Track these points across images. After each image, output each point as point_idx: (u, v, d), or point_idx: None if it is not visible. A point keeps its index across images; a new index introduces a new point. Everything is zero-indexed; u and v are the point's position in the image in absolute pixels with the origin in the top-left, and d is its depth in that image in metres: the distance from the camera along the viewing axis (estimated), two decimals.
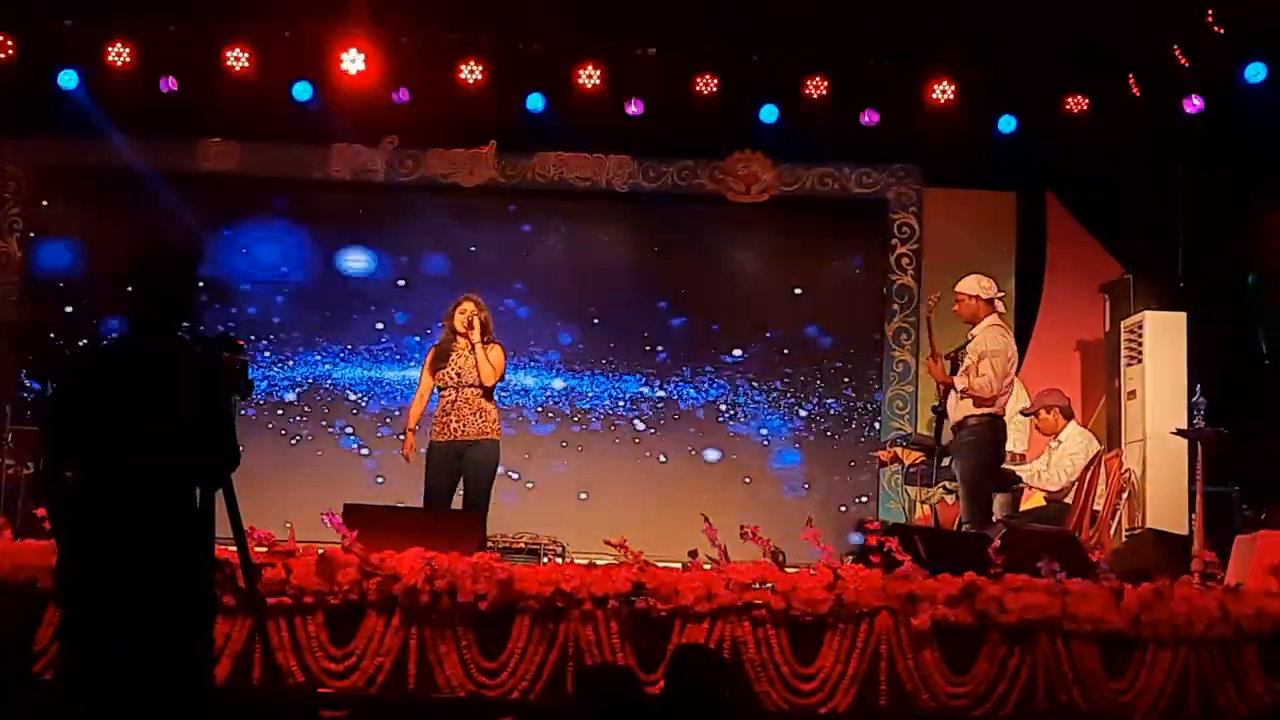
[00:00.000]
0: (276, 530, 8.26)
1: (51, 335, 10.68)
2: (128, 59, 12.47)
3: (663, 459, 13.53)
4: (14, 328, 11.15)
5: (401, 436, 10.78)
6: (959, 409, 9.91)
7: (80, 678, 5.20)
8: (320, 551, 8.17)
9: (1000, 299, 10.22)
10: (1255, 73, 11.53)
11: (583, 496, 13.25)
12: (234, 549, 5.57)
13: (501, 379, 10.36)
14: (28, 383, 12.01)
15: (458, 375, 10.16)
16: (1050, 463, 11.10)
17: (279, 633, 7.92)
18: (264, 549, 8.11)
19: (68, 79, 12.76)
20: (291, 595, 7.98)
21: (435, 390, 10.29)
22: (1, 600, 7.80)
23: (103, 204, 13.43)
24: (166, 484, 5.25)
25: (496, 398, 10.37)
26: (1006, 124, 12.84)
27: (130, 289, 5.46)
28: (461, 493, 10.12)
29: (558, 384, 13.58)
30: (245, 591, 6.15)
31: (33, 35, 12.48)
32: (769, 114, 12.93)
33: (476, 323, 10.18)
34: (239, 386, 5.45)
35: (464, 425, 10.11)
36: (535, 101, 12.93)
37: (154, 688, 5.16)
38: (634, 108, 12.78)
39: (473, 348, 10.14)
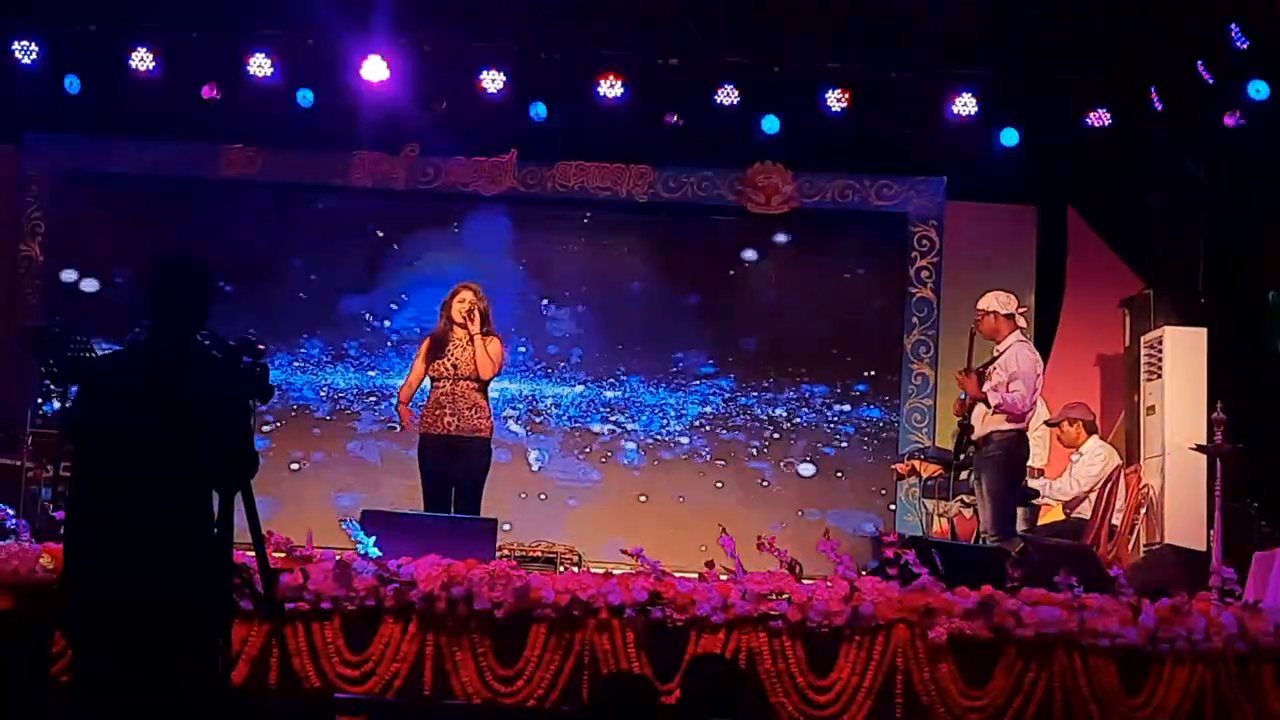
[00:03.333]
0: (295, 535, 8.28)
1: (72, 339, 10.69)
2: (150, 64, 12.52)
3: (678, 469, 13.52)
4: (35, 331, 11.16)
5: (395, 418, 10.59)
6: (986, 424, 9.94)
7: (94, 684, 5.22)
8: (338, 557, 8.19)
9: (1022, 314, 10.22)
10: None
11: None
12: (253, 554, 5.59)
13: (499, 372, 10.11)
14: (48, 386, 12.05)
15: (454, 367, 9.85)
16: (1070, 474, 11.11)
17: (296, 638, 7.93)
18: (282, 554, 8.12)
19: (90, 83, 12.80)
20: (309, 601, 7.99)
21: (429, 379, 10.01)
22: (22, 602, 7.81)
23: (123, 208, 13.48)
24: (185, 489, 5.25)
25: (489, 395, 10.11)
26: (1028, 137, 12.83)
27: (149, 294, 5.48)
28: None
29: (577, 391, 13.57)
30: (263, 597, 6.16)
31: (56, 39, 12.53)
32: (790, 125, 12.94)
33: (476, 313, 9.88)
34: (259, 391, 5.46)
35: (458, 419, 9.82)
36: (556, 111, 12.95)
37: (168, 694, 5.17)
38: (671, 118, 12.84)
39: (471, 339, 9.86)
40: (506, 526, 11.30)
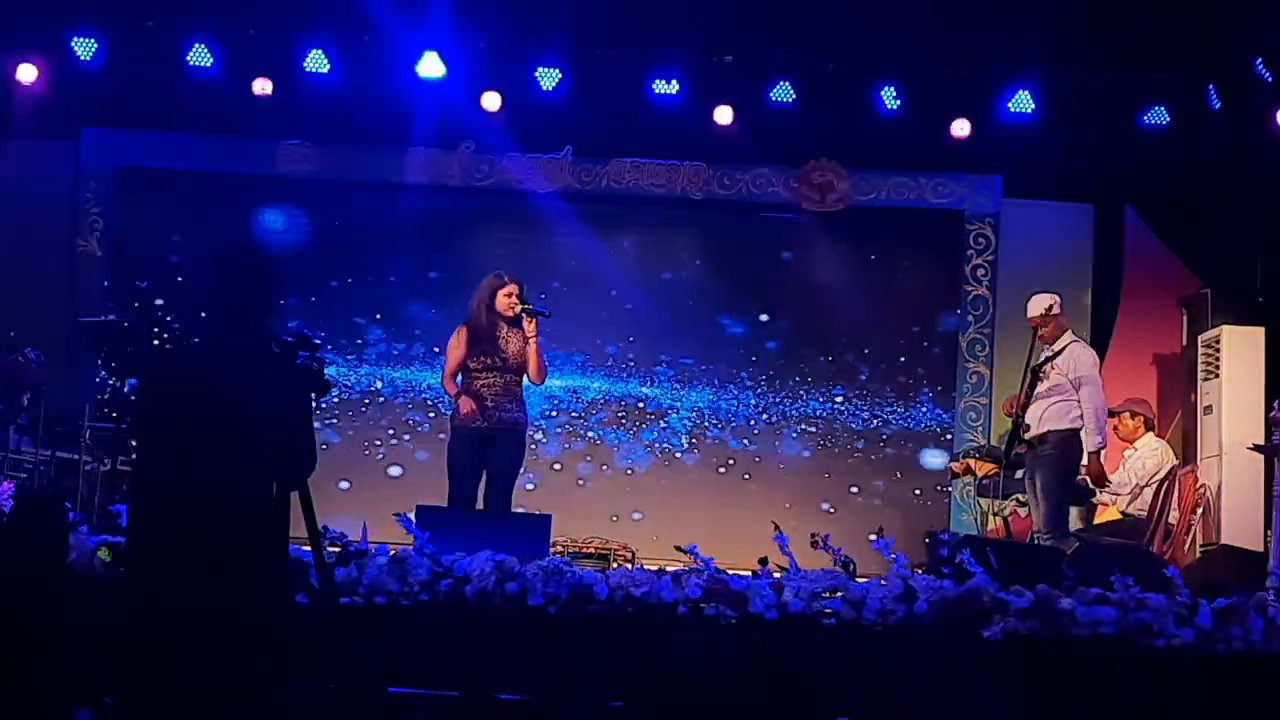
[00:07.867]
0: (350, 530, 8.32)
1: (129, 334, 10.80)
2: (207, 60, 12.59)
3: (731, 465, 13.50)
4: (95, 326, 11.26)
5: (451, 407, 9.97)
6: (1042, 422, 9.95)
7: (151, 680, 5.25)
8: (392, 552, 8.22)
9: (1058, 302, 10.33)
10: None
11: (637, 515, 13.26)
12: (308, 548, 5.62)
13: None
14: (107, 381, 12.15)
15: (503, 360, 9.65)
16: (1124, 468, 11.10)
17: (350, 633, 7.95)
18: (337, 549, 8.15)
19: (148, 79, 12.89)
20: (363, 595, 8.02)
21: (465, 368, 9.76)
22: (77, 594, 7.87)
23: (182, 203, 13.57)
24: (243, 485, 5.28)
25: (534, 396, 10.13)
26: (1085, 135, 12.77)
27: (212, 289, 5.51)
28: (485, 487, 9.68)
29: (632, 389, 13.58)
30: (318, 591, 6.20)
31: (115, 35, 12.62)
32: (845, 122, 12.90)
33: (535, 323, 9.66)
34: (315, 386, 5.49)
35: (498, 410, 9.64)
36: (610, 108, 12.96)
37: (226, 691, 5.21)
38: (724, 117, 12.80)
39: (526, 340, 9.64)
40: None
